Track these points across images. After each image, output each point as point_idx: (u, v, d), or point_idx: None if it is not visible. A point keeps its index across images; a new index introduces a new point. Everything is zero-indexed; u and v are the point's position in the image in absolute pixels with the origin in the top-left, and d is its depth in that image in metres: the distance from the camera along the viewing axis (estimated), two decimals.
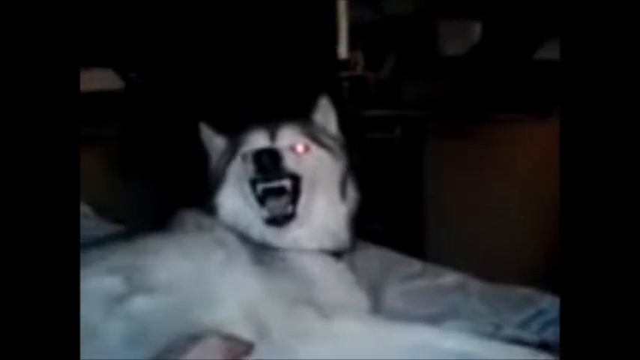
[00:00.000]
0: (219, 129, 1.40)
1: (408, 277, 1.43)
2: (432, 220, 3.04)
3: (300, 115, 1.34)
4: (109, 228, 1.62)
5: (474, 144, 2.95)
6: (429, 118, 3.08)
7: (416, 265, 1.50)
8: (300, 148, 1.24)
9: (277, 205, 1.17)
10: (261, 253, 1.15)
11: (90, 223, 1.62)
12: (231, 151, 1.29)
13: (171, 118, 2.29)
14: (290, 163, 1.18)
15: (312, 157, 1.24)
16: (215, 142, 1.36)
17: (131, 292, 1.01)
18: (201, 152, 1.42)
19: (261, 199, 1.19)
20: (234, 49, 2.22)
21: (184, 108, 2.22)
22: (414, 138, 3.09)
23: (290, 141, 1.25)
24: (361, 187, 1.33)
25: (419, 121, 3.10)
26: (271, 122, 1.29)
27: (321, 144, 1.27)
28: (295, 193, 1.19)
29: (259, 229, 1.20)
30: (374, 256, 1.46)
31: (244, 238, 1.18)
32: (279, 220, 1.17)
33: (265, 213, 1.18)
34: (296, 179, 1.19)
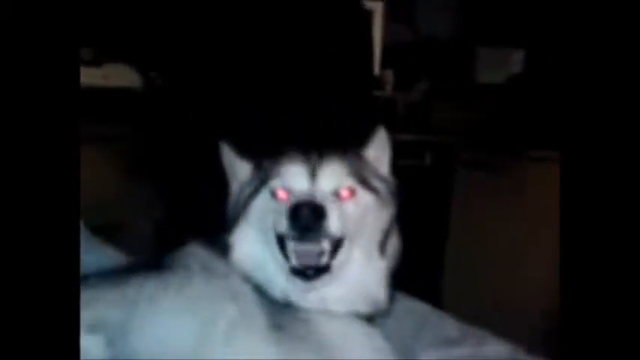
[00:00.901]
0: (242, 148, 1.18)
1: (446, 342, 1.24)
2: (454, 255, 2.86)
3: (344, 144, 1.13)
4: (103, 254, 1.42)
5: (506, 179, 2.77)
6: (460, 146, 2.90)
7: (453, 326, 1.30)
8: (345, 193, 1.03)
9: (309, 257, 0.98)
10: (280, 312, 0.96)
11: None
12: (258, 183, 1.08)
13: (189, 126, 2.08)
14: (334, 222, 0.96)
15: (356, 204, 1.04)
16: (238, 168, 1.14)
17: None
18: (219, 172, 1.22)
19: (288, 257, 0.99)
20: (265, 62, 2.01)
21: (205, 118, 2.01)
22: (445, 167, 2.90)
23: (334, 183, 1.03)
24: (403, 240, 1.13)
25: (450, 149, 2.91)
26: (311, 154, 1.08)
27: (369, 188, 1.07)
28: (334, 251, 0.99)
29: (282, 284, 1.00)
30: (406, 311, 1.27)
31: (261, 291, 0.99)
32: (309, 273, 0.97)
33: (294, 262, 0.98)
34: (338, 240, 0.99)
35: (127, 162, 2.81)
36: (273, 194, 1.03)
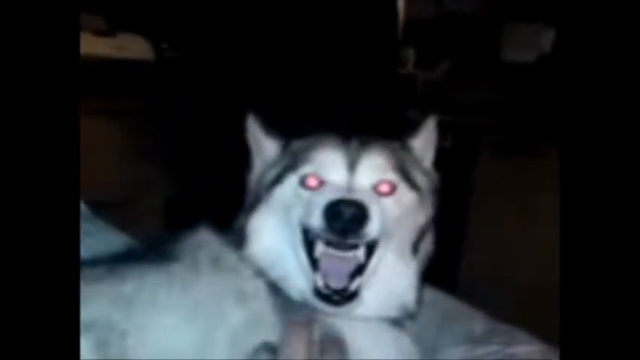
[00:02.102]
0: (271, 124, 1.07)
1: (472, 339, 1.13)
2: (475, 243, 2.75)
3: (383, 133, 1.01)
4: (104, 237, 1.31)
5: (535, 164, 2.65)
6: (485, 128, 2.77)
7: (480, 322, 1.20)
8: (385, 187, 0.91)
9: (339, 276, 0.85)
10: (297, 314, 0.84)
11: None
12: (286, 166, 0.95)
13: (204, 102, 1.98)
14: (375, 225, 0.84)
15: (396, 202, 0.91)
16: (264, 146, 1.01)
17: None
18: (239, 148, 1.09)
19: (316, 263, 0.86)
20: (286, 33, 1.89)
21: (221, 93, 1.90)
22: (468, 149, 2.78)
23: (375, 176, 0.91)
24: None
25: (474, 131, 2.79)
26: (351, 141, 0.96)
27: (411, 184, 0.95)
28: (367, 260, 0.86)
29: (301, 285, 0.87)
30: (430, 305, 1.16)
31: (276, 290, 0.87)
32: (336, 299, 0.84)
33: (319, 282, 0.85)
34: (373, 245, 0.86)
35: (140, 136, 2.73)
36: (303, 182, 0.92)
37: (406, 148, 1.00)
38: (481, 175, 2.62)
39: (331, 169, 0.90)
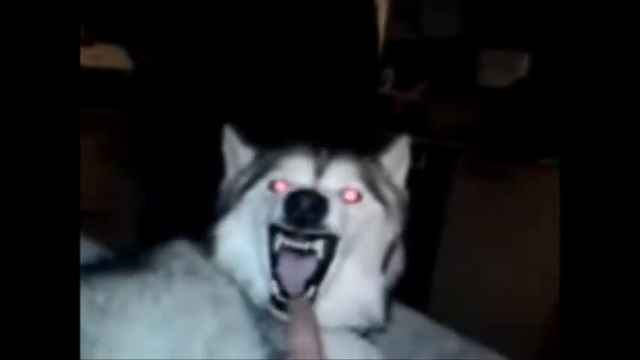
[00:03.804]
0: (247, 135, 1.07)
1: (445, 358, 1.14)
2: (447, 264, 2.76)
3: (354, 147, 1.03)
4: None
5: (506, 186, 2.68)
6: (460, 151, 2.80)
7: (453, 340, 1.21)
8: (350, 195, 0.92)
9: (296, 280, 0.86)
10: (268, 322, 0.84)
11: None
12: (256, 172, 0.97)
13: (183, 113, 1.96)
14: (334, 219, 0.85)
15: (361, 210, 0.93)
16: (239, 155, 1.04)
17: None
18: (213, 160, 1.11)
19: (275, 258, 0.87)
20: (268, 49, 1.89)
21: (200, 104, 1.88)
22: (442, 171, 2.80)
23: (340, 183, 0.93)
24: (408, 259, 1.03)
25: (448, 154, 2.81)
26: (321, 150, 0.98)
27: (377, 196, 0.96)
28: (325, 262, 0.87)
29: (263, 293, 0.88)
30: (402, 322, 1.16)
31: (247, 297, 0.87)
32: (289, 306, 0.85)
33: (274, 288, 0.85)
34: (332, 241, 0.87)
35: (114, 147, 2.69)
36: (272, 186, 0.93)
37: (376, 162, 1.02)
38: (455, 197, 2.65)
39: (298, 174, 0.91)
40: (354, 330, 0.91)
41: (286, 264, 0.87)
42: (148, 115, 2.28)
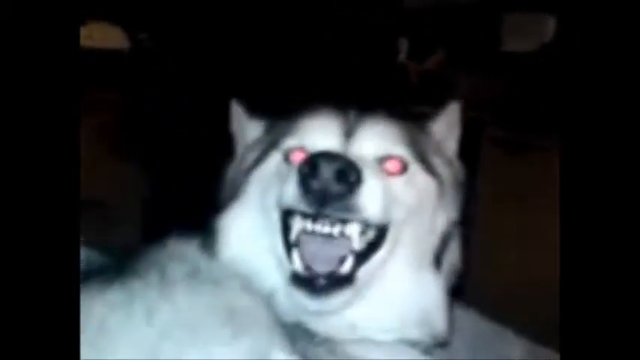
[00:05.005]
0: (256, 107, 0.89)
1: None
2: (477, 242, 2.58)
3: (396, 111, 0.83)
4: None
5: (535, 160, 2.48)
6: (485, 122, 2.59)
7: (516, 344, 1.03)
8: (393, 164, 0.72)
9: (323, 258, 0.65)
10: (303, 340, 0.64)
11: None
12: (268, 144, 0.77)
13: (185, 93, 1.79)
14: (372, 195, 0.64)
15: (409, 183, 0.73)
16: (247, 130, 0.84)
17: None
18: (219, 145, 0.93)
19: (291, 248, 0.67)
20: (274, 19, 1.71)
21: (203, 83, 1.71)
22: (468, 143, 2.60)
23: (379, 147, 0.73)
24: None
25: (475, 126, 2.61)
26: (348, 110, 0.78)
27: (428, 167, 0.76)
28: (364, 254, 0.68)
29: (274, 282, 0.68)
30: (462, 324, 0.98)
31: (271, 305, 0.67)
32: (320, 286, 0.64)
33: (298, 264, 0.65)
34: (373, 228, 0.67)
35: (112, 131, 2.52)
36: (287, 157, 0.72)
37: (422, 129, 0.83)
38: (484, 172, 2.46)
39: (320, 138, 0.70)
40: (414, 345, 0.72)
41: (308, 244, 0.67)
42: (148, 97, 2.11)
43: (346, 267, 0.67)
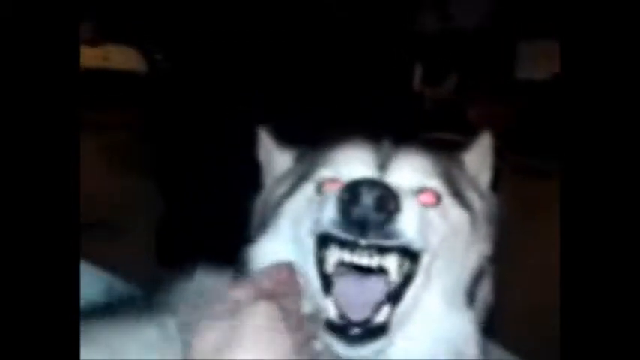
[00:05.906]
0: (284, 135, 0.87)
1: None
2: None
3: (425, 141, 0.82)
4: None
5: (548, 187, 2.47)
6: (501, 148, 2.59)
7: None
8: (427, 197, 0.72)
9: (358, 302, 0.64)
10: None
11: None
12: (299, 176, 0.75)
13: (205, 117, 1.77)
14: (410, 222, 0.63)
15: (442, 216, 0.72)
16: (275, 160, 0.83)
17: None
18: (242, 168, 0.91)
19: (329, 283, 0.66)
20: (290, 43, 1.70)
21: (226, 106, 1.69)
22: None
23: (414, 180, 0.71)
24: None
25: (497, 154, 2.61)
26: (382, 141, 0.77)
27: (461, 200, 0.75)
28: (401, 286, 0.66)
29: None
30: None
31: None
32: (354, 335, 0.63)
33: (332, 312, 0.64)
34: (410, 256, 0.66)
35: (127, 152, 2.51)
36: (320, 189, 0.71)
37: (455, 160, 0.81)
38: (504, 199, 2.45)
39: (355, 169, 0.69)
40: None
41: (344, 284, 0.65)
42: (166, 119, 2.10)
43: (381, 316, 0.65)
